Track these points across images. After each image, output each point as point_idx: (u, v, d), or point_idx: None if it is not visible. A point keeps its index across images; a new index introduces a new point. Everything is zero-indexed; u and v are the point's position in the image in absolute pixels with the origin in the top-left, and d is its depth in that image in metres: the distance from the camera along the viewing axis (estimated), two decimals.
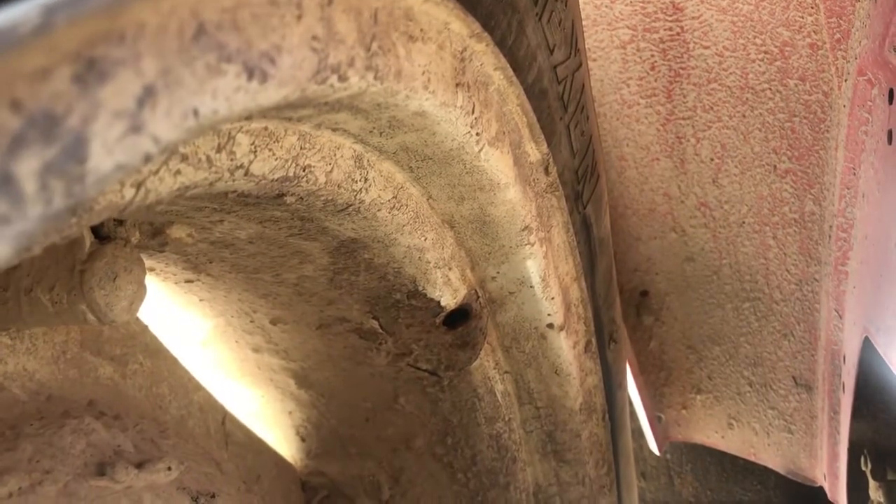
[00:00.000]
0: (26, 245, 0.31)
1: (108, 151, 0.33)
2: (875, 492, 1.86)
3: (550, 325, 1.09)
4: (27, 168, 0.30)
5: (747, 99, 1.53)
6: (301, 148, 0.69)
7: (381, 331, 1.01)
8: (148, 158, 0.35)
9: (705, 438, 1.92)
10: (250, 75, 0.43)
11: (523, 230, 0.96)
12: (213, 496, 0.89)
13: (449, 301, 0.96)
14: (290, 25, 0.47)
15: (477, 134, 0.81)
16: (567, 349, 1.13)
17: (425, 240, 0.90)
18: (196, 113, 0.39)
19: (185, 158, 0.55)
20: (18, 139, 0.29)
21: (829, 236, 1.52)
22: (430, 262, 0.92)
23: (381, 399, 1.14)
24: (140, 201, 0.52)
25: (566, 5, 0.97)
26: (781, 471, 1.86)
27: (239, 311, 1.03)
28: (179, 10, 0.37)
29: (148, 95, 0.35)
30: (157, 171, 0.52)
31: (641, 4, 1.51)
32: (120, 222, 0.75)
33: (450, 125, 0.77)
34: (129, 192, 0.50)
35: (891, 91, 1.18)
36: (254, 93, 0.44)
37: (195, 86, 0.38)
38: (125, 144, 0.34)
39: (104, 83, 0.33)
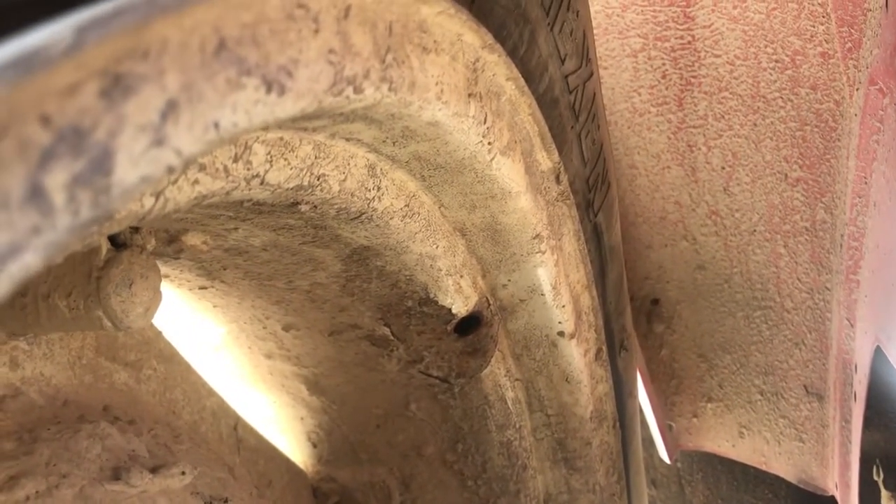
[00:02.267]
0: (54, 254, 0.31)
1: (132, 164, 0.34)
2: (887, 501, 1.85)
3: (561, 333, 1.09)
4: (56, 181, 0.31)
5: (758, 107, 1.53)
6: (315, 157, 0.70)
7: (392, 338, 1.02)
8: (171, 170, 0.36)
9: (716, 447, 1.91)
10: (269, 88, 0.44)
11: (534, 238, 0.97)
12: (225, 501, 0.90)
13: (460, 308, 0.97)
14: (308, 39, 0.48)
15: (489, 143, 0.82)
16: (578, 357, 1.13)
17: (437, 247, 0.91)
18: (217, 126, 0.39)
19: (203, 168, 0.56)
20: (48, 153, 0.30)
21: (841, 245, 1.52)
22: (441, 270, 0.93)
23: (393, 406, 1.14)
24: (159, 210, 0.53)
25: (578, 15, 0.98)
26: (793, 480, 1.85)
27: (252, 317, 1.04)
28: (201, 27, 0.37)
29: (171, 109, 0.36)
30: (175, 181, 0.53)
31: (653, 13, 1.52)
32: (136, 230, 0.76)
33: (462, 135, 0.77)
34: (148, 202, 0.51)
35: None
36: (272, 105, 0.45)
37: (216, 99, 0.39)
38: (149, 157, 0.35)
39: (129, 98, 0.34)
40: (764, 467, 1.87)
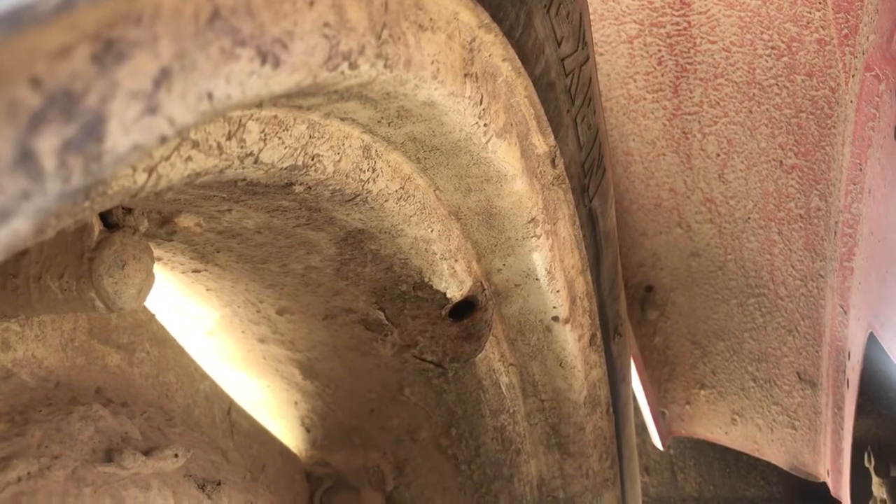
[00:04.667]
0: (44, 222, 0.31)
1: (125, 131, 0.33)
2: (878, 488, 1.86)
3: (556, 318, 1.09)
4: (47, 145, 0.30)
5: (754, 94, 1.53)
6: (310, 137, 0.69)
7: (386, 322, 1.02)
8: (163, 140, 0.36)
9: (709, 434, 1.92)
10: (263, 60, 0.43)
11: (529, 222, 0.97)
12: (218, 483, 0.90)
13: (455, 293, 0.97)
14: (303, 12, 0.47)
15: (485, 125, 0.81)
16: (572, 342, 1.13)
17: (432, 231, 0.90)
18: (210, 96, 0.39)
19: (196, 145, 0.56)
20: (39, 116, 0.30)
21: (835, 232, 1.52)
22: (436, 254, 0.92)
23: (387, 390, 1.14)
24: (152, 187, 0.52)
25: None
26: (785, 466, 1.86)
27: (245, 301, 1.04)
28: None
29: (164, 77, 0.35)
30: (168, 157, 0.52)
31: None
32: (128, 210, 0.76)
33: (458, 115, 0.77)
34: (141, 178, 0.51)
35: None
36: (266, 78, 0.44)
37: (210, 69, 0.38)
38: (142, 125, 0.34)
39: (122, 64, 0.33)
40: (756, 454, 1.88)
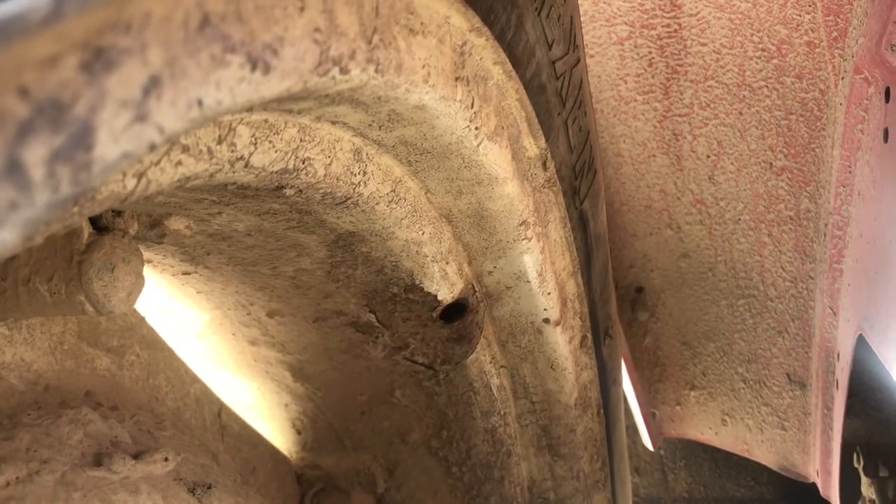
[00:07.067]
0: (32, 231, 0.31)
1: (114, 140, 0.33)
2: (867, 488, 1.87)
3: (546, 320, 1.09)
4: (35, 155, 0.30)
5: (744, 96, 1.53)
6: (301, 140, 0.69)
7: (377, 324, 1.01)
8: (153, 147, 0.35)
9: (699, 434, 1.92)
10: (254, 66, 0.43)
11: (521, 225, 0.97)
12: (209, 487, 0.89)
13: (446, 295, 0.97)
14: (293, 17, 0.47)
15: (476, 128, 0.81)
16: (563, 344, 1.13)
17: (423, 234, 0.90)
18: (200, 103, 0.39)
19: (186, 149, 0.55)
20: (26, 126, 0.29)
21: (825, 234, 1.53)
22: (427, 256, 0.92)
23: (377, 392, 1.14)
24: (142, 192, 0.52)
25: (565, 1, 0.97)
26: (774, 467, 1.87)
27: (236, 303, 1.04)
28: (184, 1, 0.37)
29: (154, 85, 0.35)
30: (158, 162, 0.52)
31: (639, 1, 1.51)
32: (118, 213, 0.75)
33: (449, 119, 0.77)
34: (130, 183, 0.51)
35: (887, 89, 1.19)
36: (257, 84, 0.44)
37: (200, 76, 0.38)
38: (131, 133, 0.34)
39: (111, 72, 0.33)
40: (746, 455, 1.89)
